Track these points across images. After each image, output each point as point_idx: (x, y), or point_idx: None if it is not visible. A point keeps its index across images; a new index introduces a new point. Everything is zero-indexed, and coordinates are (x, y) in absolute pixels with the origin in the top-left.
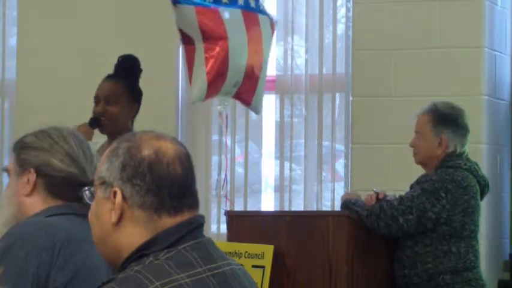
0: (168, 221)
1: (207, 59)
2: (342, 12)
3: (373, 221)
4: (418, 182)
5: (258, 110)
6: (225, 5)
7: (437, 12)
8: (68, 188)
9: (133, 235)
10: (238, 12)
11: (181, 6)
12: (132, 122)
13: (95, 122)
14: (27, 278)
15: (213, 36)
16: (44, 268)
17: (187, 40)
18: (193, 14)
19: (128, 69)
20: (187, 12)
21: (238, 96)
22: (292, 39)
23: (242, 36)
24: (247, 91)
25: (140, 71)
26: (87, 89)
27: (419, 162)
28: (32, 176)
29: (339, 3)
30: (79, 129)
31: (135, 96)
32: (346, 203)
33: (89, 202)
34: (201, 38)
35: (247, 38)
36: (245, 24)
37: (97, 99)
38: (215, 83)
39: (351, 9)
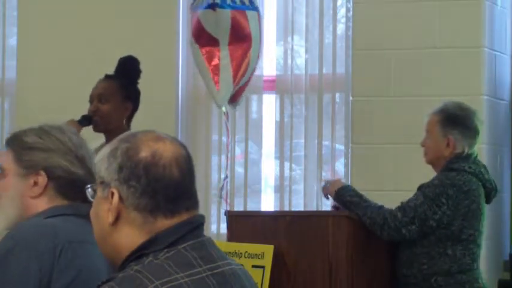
0: (164, 223)
1: (232, 62)
2: (342, 12)
3: (375, 229)
4: (420, 187)
5: (236, 106)
6: (248, 7)
7: (437, 12)
8: (75, 189)
9: (130, 236)
10: (255, 14)
11: (219, 10)
12: (129, 121)
13: (86, 120)
14: (29, 281)
15: (239, 38)
16: (46, 270)
17: (209, 42)
18: (228, 18)
19: (125, 70)
20: (223, 15)
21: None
22: (292, 39)
23: (258, 38)
24: (242, 90)
25: (139, 71)
26: (87, 89)
27: (428, 162)
28: (43, 179)
29: (339, 3)
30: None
31: (129, 95)
32: (343, 201)
33: (91, 200)
34: (228, 41)
35: (259, 40)
36: (259, 26)
37: (91, 98)
38: (236, 85)
39: (351, 9)
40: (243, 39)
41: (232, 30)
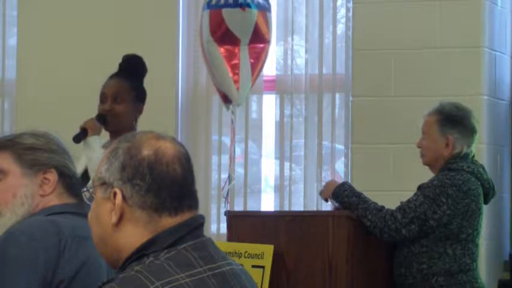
0: (169, 221)
1: (251, 62)
2: (342, 12)
3: (376, 232)
4: (420, 187)
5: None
6: (268, 9)
7: (437, 12)
8: (78, 189)
9: (133, 235)
10: (270, 15)
11: (249, 9)
12: (136, 122)
13: (101, 119)
14: (37, 269)
15: (259, 39)
16: (51, 263)
17: (229, 41)
18: (254, 18)
19: (133, 69)
20: (250, 16)
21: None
22: (292, 39)
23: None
24: None
25: (145, 70)
26: (87, 89)
27: (426, 163)
28: (54, 176)
29: (339, 3)
30: (88, 123)
31: (140, 95)
32: (340, 201)
33: (88, 203)
34: (249, 40)
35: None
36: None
37: (104, 97)
38: (253, 84)
39: (351, 9)
40: (261, 40)
41: (255, 31)
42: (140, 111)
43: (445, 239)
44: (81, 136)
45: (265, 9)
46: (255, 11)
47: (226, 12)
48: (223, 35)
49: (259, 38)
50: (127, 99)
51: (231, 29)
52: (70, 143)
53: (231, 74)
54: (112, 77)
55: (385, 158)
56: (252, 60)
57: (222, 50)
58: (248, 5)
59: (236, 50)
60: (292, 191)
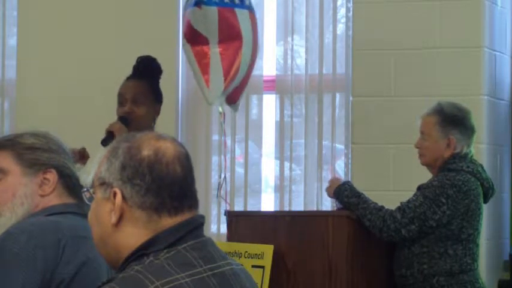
0: (168, 221)
1: (223, 61)
2: (342, 12)
3: (375, 232)
4: (420, 187)
5: (237, 108)
6: (237, 5)
7: (437, 12)
8: (77, 190)
9: (133, 235)
10: (246, 12)
11: (205, 7)
12: (154, 123)
13: (124, 122)
14: (36, 267)
15: (229, 36)
16: (50, 263)
17: (200, 41)
18: (215, 15)
19: (148, 70)
20: (210, 13)
21: (229, 94)
22: (292, 39)
23: (250, 36)
24: (239, 90)
25: (161, 71)
26: (87, 89)
27: (425, 163)
28: (54, 176)
29: (339, 3)
30: (114, 126)
31: (157, 97)
32: (341, 201)
33: (88, 203)
34: (217, 39)
35: (252, 39)
36: (251, 24)
37: (123, 99)
38: (229, 84)
39: (351, 9)
40: (234, 37)
41: (220, 28)
42: (158, 112)
43: (445, 239)
44: (108, 139)
45: (232, 5)
46: (212, 8)
47: (189, 12)
48: (192, 36)
49: (229, 35)
50: (146, 101)
51: (197, 28)
52: (70, 143)
53: (201, 74)
54: (128, 79)
55: (385, 158)
56: (224, 59)
57: (194, 50)
58: (203, 3)
59: (206, 49)
60: (292, 191)
